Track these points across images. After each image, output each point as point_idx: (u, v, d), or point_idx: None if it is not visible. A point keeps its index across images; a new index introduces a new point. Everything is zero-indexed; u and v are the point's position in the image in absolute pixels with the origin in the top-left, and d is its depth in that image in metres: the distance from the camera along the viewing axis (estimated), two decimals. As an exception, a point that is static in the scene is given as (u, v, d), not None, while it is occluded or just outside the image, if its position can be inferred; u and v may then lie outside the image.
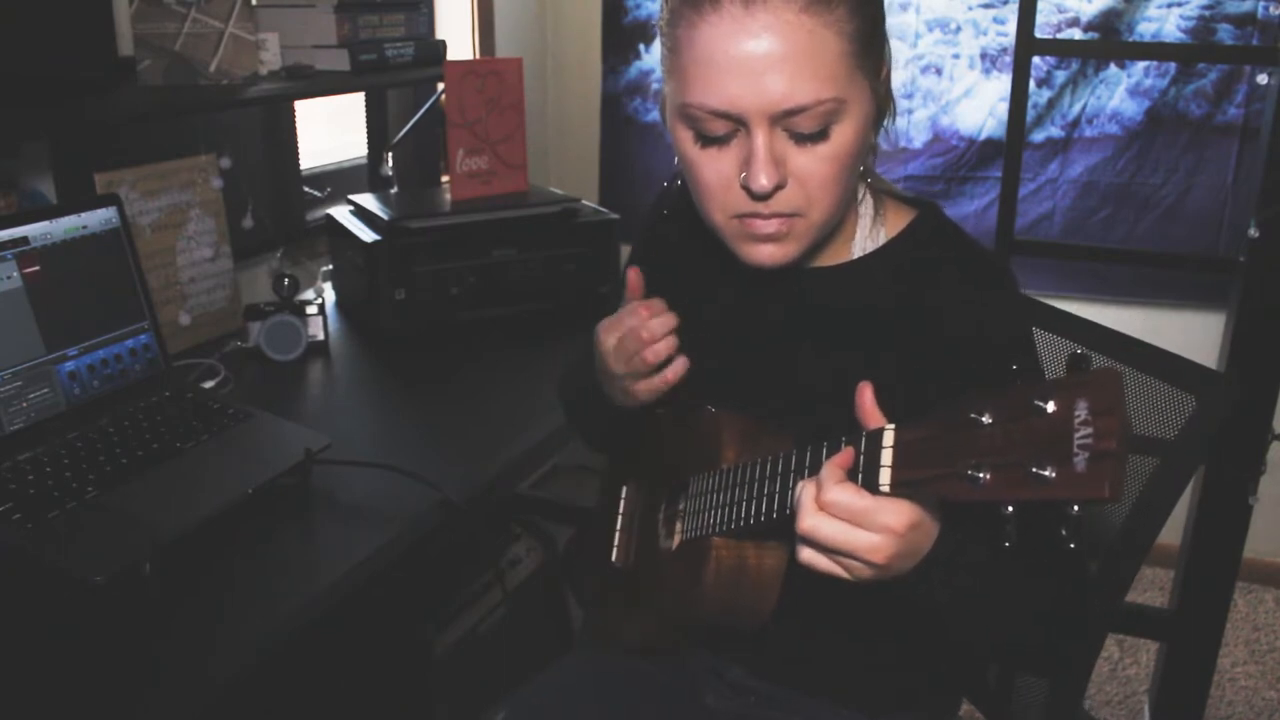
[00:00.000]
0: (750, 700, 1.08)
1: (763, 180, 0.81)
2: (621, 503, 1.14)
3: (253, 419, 1.30)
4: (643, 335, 0.94)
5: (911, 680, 1.07)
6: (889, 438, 0.70)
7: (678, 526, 1.04)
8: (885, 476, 0.69)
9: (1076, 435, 0.56)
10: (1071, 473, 0.56)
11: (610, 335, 0.98)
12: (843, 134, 0.82)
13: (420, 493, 1.18)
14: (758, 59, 0.78)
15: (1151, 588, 2.55)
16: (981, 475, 0.61)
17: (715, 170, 0.85)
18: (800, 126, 0.81)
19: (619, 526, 1.14)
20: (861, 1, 0.81)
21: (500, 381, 1.58)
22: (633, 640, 1.09)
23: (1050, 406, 0.58)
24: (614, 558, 1.13)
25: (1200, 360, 1.11)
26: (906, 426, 0.69)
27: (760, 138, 0.81)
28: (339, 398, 1.56)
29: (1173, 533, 1.88)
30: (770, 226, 0.85)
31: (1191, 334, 2.30)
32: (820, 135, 0.82)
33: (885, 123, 0.90)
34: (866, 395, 0.74)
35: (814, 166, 0.83)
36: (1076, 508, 0.58)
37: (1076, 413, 0.56)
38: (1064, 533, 0.60)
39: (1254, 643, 2.40)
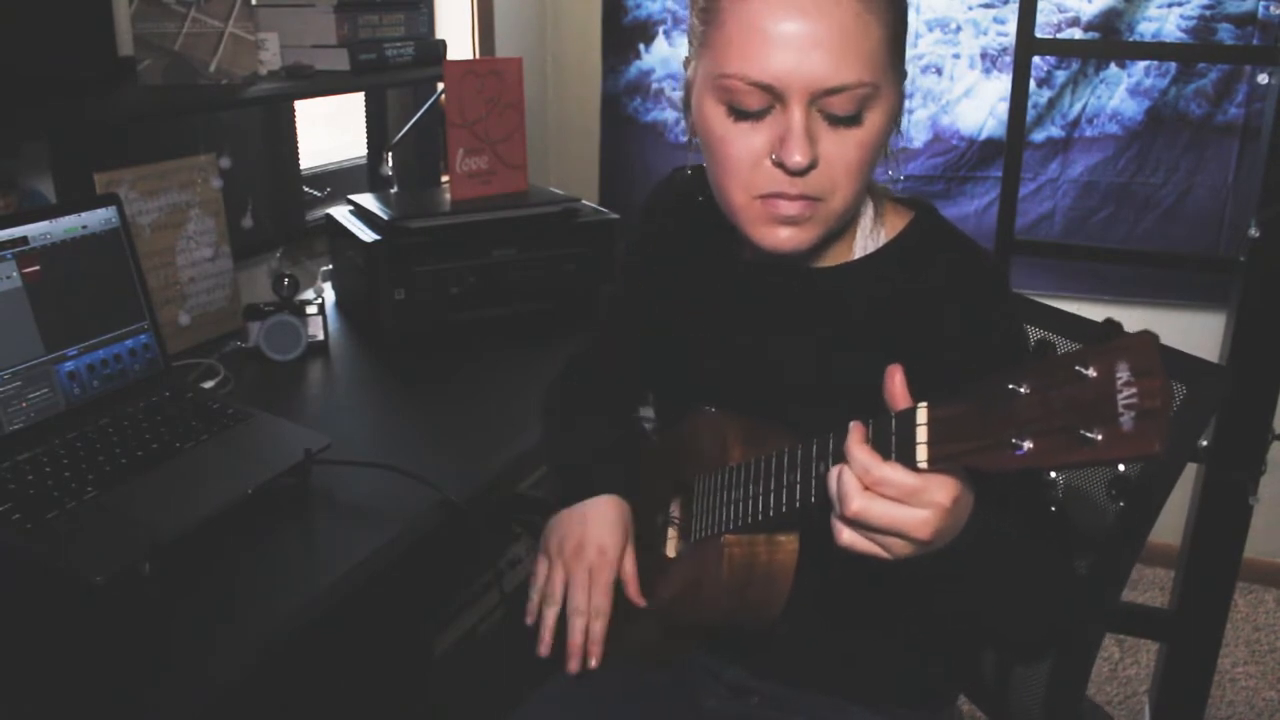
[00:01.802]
0: (752, 701, 1.08)
1: (797, 157, 0.81)
2: None
3: (252, 419, 1.30)
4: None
5: (913, 672, 1.07)
6: (922, 414, 0.70)
7: (671, 532, 1.04)
8: (922, 453, 0.69)
9: (1120, 396, 0.57)
10: (1119, 433, 0.57)
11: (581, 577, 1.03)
12: (873, 122, 0.83)
13: (420, 493, 1.18)
14: (805, 34, 0.79)
15: (1151, 588, 2.55)
16: (1025, 443, 0.61)
17: (746, 146, 0.85)
18: (836, 108, 0.81)
19: None
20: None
21: (500, 381, 1.58)
22: (633, 649, 1.08)
23: (1091, 372, 0.58)
24: None
25: (1200, 360, 1.11)
26: (939, 403, 0.69)
27: (797, 114, 0.81)
28: (339, 398, 1.56)
29: (1173, 533, 1.88)
30: (794, 208, 0.85)
31: (1191, 334, 2.30)
32: (854, 120, 0.82)
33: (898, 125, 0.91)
34: (896, 378, 0.73)
35: (843, 151, 0.83)
36: (1123, 467, 0.59)
37: (1118, 375, 0.57)
38: (1113, 492, 0.61)
39: (1254, 643, 2.40)
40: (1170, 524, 1.09)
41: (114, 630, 0.96)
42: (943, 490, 0.70)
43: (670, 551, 1.03)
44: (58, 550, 1.03)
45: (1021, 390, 0.62)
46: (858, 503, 0.71)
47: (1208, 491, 1.82)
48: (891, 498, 0.70)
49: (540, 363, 1.63)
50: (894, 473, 0.70)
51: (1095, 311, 1.21)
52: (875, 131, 0.84)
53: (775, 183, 0.84)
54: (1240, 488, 1.79)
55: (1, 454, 1.16)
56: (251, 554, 1.09)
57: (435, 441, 1.38)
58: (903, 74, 0.87)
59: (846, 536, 0.74)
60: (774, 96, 0.82)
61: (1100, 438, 0.57)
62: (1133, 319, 2.41)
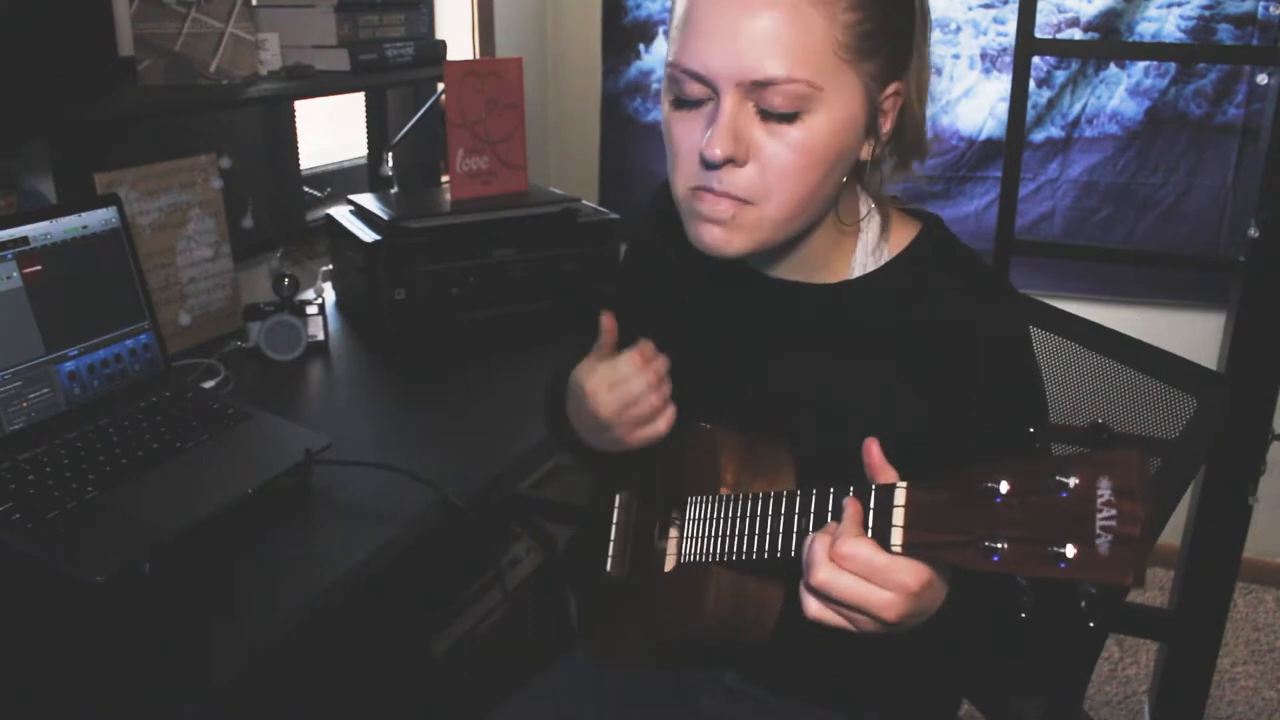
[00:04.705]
0: (748, 704, 1.07)
1: (715, 150, 0.79)
2: (615, 512, 1.14)
3: (252, 419, 1.30)
4: (636, 388, 0.92)
5: (908, 682, 1.07)
6: (900, 496, 0.68)
7: (669, 546, 1.03)
8: (897, 536, 0.68)
9: (1099, 516, 0.55)
10: (1093, 554, 0.55)
11: (596, 384, 0.94)
12: (815, 125, 0.80)
13: (420, 493, 1.18)
14: (739, 25, 0.77)
15: (1151, 588, 2.55)
16: (999, 546, 0.60)
17: (685, 134, 0.83)
18: (770, 103, 0.79)
19: (613, 537, 1.13)
20: (869, 1, 0.79)
21: (500, 381, 1.58)
22: (630, 651, 1.08)
23: (1072, 481, 0.57)
24: (609, 569, 1.12)
25: (1200, 360, 1.11)
26: (919, 487, 0.68)
27: (727, 105, 0.79)
28: (339, 398, 1.56)
29: (1173, 533, 1.88)
30: (719, 206, 0.83)
31: (1191, 334, 2.30)
32: (790, 117, 0.79)
33: (914, 162, 0.90)
34: (874, 452, 0.72)
35: (776, 151, 0.80)
36: (1093, 589, 0.59)
37: (1099, 492, 0.55)
38: (1083, 605, 0.60)
39: (1254, 643, 2.40)
40: (1170, 524, 1.09)
41: (114, 630, 0.96)
42: (910, 574, 0.69)
43: (668, 564, 1.02)
44: (58, 550, 1.03)
45: (1001, 489, 0.61)
46: (822, 573, 0.70)
47: (1207, 491, 1.82)
48: (856, 573, 0.69)
49: (541, 363, 1.63)
50: (860, 547, 0.69)
51: (1095, 312, 1.21)
52: (817, 136, 0.80)
53: (703, 176, 0.82)
54: (1240, 488, 1.79)
55: (1, 454, 1.16)
56: (251, 554, 1.09)
57: (435, 441, 1.38)
58: (880, 83, 0.82)
59: (814, 608, 0.73)
60: (709, 86, 0.80)
61: (1073, 555, 0.56)
62: (1133, 319, 2.42)
